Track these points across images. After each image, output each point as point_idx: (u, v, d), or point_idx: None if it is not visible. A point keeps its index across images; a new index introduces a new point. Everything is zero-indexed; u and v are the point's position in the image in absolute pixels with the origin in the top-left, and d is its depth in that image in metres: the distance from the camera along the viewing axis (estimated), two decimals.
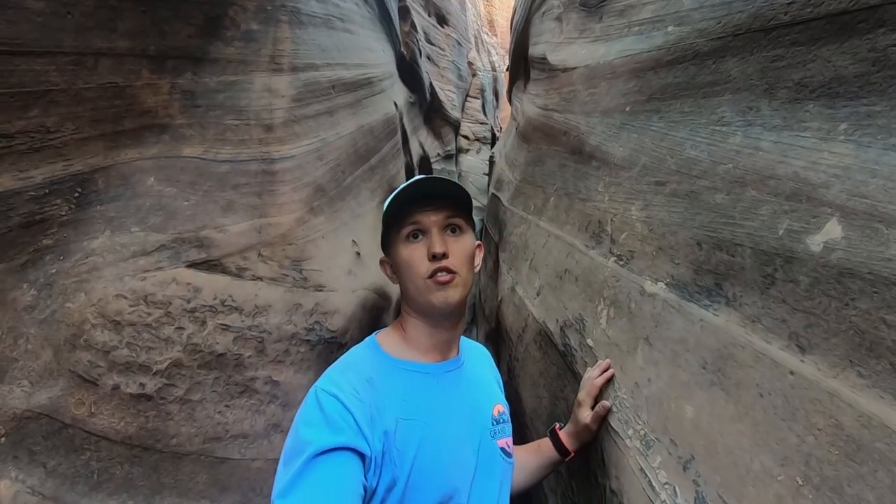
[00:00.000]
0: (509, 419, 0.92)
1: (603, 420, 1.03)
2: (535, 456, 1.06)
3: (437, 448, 0.73)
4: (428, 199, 0.78)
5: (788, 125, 0.89)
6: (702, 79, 1.20)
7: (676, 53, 1.30)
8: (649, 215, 1.22)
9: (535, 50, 2.92)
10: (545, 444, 1.06)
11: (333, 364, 0.78)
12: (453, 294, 0.78)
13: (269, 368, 1.15)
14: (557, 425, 1.08)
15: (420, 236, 0.79)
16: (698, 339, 0.91)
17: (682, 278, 1.02)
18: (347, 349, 1.11)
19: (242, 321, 1.15)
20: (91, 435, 0.98)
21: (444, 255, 0.77)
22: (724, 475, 0.76)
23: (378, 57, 2.69)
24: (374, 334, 0.85)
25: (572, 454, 1.03)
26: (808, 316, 0.71)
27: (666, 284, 1.07)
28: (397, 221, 0.78)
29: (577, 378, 1.28)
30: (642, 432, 0.96)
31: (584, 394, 1.06)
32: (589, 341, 1.27)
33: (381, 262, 0.86)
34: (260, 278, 1.23)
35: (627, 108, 1.56)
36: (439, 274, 0.77)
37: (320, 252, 1.41)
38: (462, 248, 0.80)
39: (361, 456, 0.65)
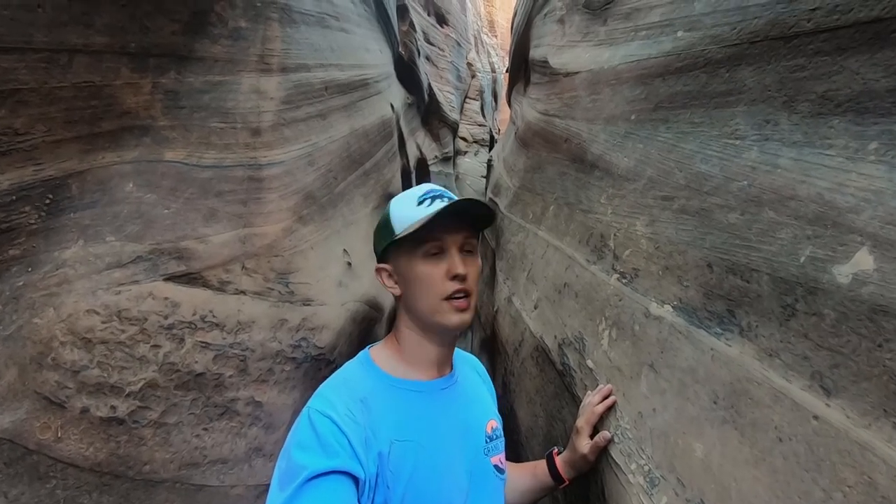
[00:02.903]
0: (502, 434, 0.92)
1: (603, 450, 0.99)
2: (530, 478, 1.03)
3: (431, 469, 0.73)
4: (451, 217, 0.76)
5: (810, 141, 0.83)
6: (714, 88, 1.13)
7: (687, 60, 1.24)
8: (655, 232, 1.16)
9: (536, 53, 2.86)
10: (541, 467, 1.03)
11: (326, 381, 0.76)
12: (468, 317, 0.79)
13: (252, 388, 1.08)
14: (555, 450, 1.05)
15: (438, 253, 0.77)
16: (709, 370, 0.85)
17: (691, 302, 0.96)
18: (336, 366, 1.05)
19: (224, 338, 1.08)
20: (57, 461, 0.91)
21: (465, 277, 0.77)
22: None
23: (375, 57, 2.62)
24: (367, 349, 0.83)
25: (567, 482, 1.00)
26: (835, 355, 0.65)
27: (673, 308, 1.01)
28: (416, 234, 0.75)
29: (575, 400, 1.22)
30: (646, 468, 0.90)
31: (583, 421, 1.02)
32: (589, 363, 1.21)
33: (379, 270, 0.82)
34: (243, 292, 1.16)
35: (633, 117, 1.50)
36: (458, 297, 0.77)
37: (309, 263, 1.35)
38: (475, 270, 0.81)
39: (355, 479, 0.64)
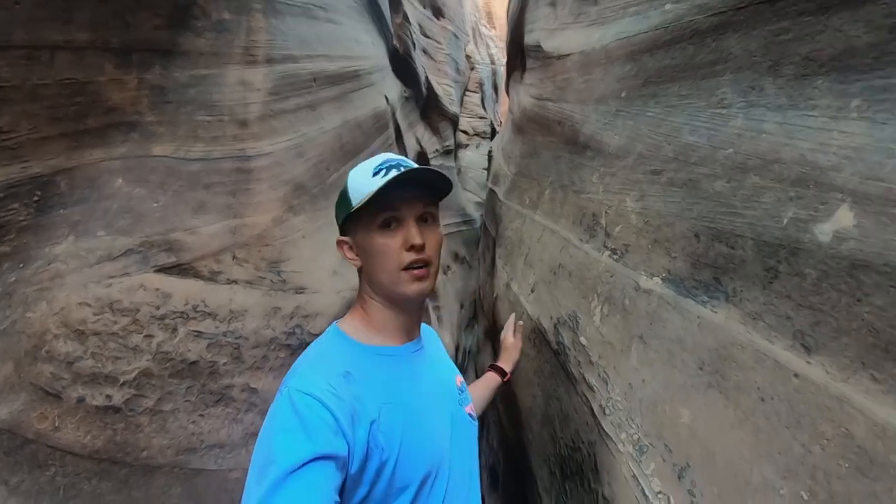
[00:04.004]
0: (466, 387, 0.99)
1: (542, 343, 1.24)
2: (482, 389, 1.21)
3: (420, 426, 0.75)
4: (406, 186, 0.75)
5: (794, 104, 0.82)
6: (701, 59, 1.13)
7: (674, 33, 1.22)
8: (645, 206, 1.15)
9: (529, 38, 2.84)
10: (487, 377, 1.25)
11: (299, 360, 0.75)
12: (427, 285, 0.79)
13: (247, 375, 1.09)
14: (490, 364, 1.28)
15: (394, 224, 0.76)
16: (695, 338, 0.84)
17: (679, 273, 0.95)
18: None
19: (217, 327, 1.09)
20: (55, 450, 0.93)
21: (422, 248, 0.77)
22: (721, 486, 0.70)
23: (366, 49, 2.62)
24: (334, 324, 0.83)
25: (509, 374, 1.25)
26: (816, 313, 0.64)
27: (662, 280, 1.00)
28: (371, 205, 0.74)
29: (570, 378, 1.21)
30: (635, 437, 0.90)
31: (506, 332, 1.31)
32: (582, 339, 1.21)
33: (340, 243, 0.82)
34: (235, 282, 1.17)
35: (623, 94, 1.49)
36: (416, 267, 0.77)
37: (301, 253, 1.35)
38: (435, 239, 0.81)
39: (338, 459, 0.63)
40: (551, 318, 1.44)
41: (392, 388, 0.75)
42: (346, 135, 1.96)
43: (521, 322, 1.28)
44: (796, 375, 0.63)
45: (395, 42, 3.96)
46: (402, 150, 3.42)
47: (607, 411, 0.98)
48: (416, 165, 0.80)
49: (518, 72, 3.59)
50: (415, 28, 5.29)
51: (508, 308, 2.05)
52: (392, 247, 0.76)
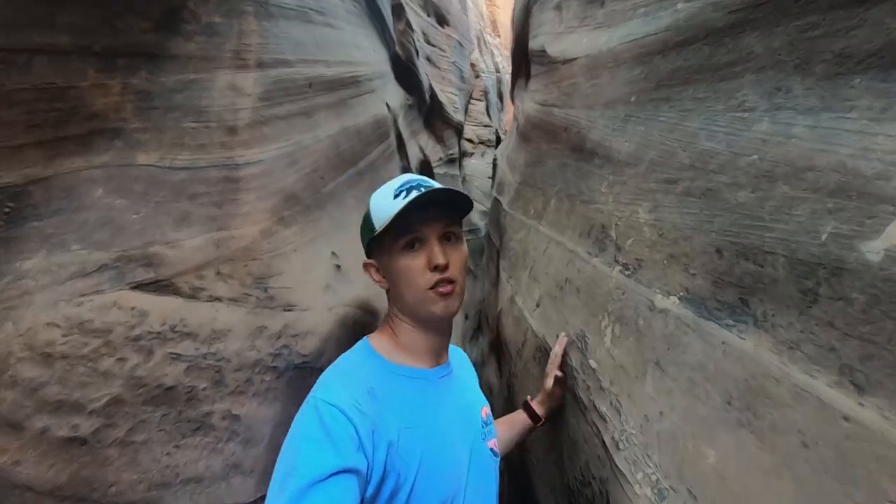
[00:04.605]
0: (493, 420, 0.96)
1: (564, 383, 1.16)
2: (507, 430, 1.11)
3: (438, 454, 0.74)
4: (426, 207, 0.76)
5: (828, 106, 0.74)
6: (718, 59, 1.05)
7: (688, 33, 1.15)
8: (659, 218, 1.06)
9: (534, 43, 2.78)
10: (517, 416, 1.15)
11: (329, 371, 0.76)
12: (453, 304, 0.79)
13: (228, 401, 1.01)
14: (529, 397, 1.17)
15: (417, 245, 0.77)
16: (720, 366, 0.75)
17: (699, 292, 0.87)
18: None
19: (196, 349, 1.01)
20: (15, 486, 0.85)
21: (446, 267, 0.77)
22: None
23: (366, 55, 2.56)
24: (365, 339, 0.83)
25: (543, 420, 1.13)
26: (866, 345, 0.55)
27: (679, 299, 0.91)
28: (393, 228, 0.75)
29: (578, 403, 1.12)
30: (654, 478, 0.80)
31: (550, 366, 1.16)
32: (592, 362, 1.12)
33: (366, 266, 0.83)
34: (218, 299, 1.09)
35: (633, 99, 1.41)
36: (441, 286, 0.77)
37: (291, 267, 1.27)
38: (459, 257, 0.81)
39: (360, 474, 0.63)
40: (558, 336, 1.35)
41: (414, 412, 0.74)
42: (343, 143, 1.89)
43: (559, 372, 1.16)
44: (846, 418, 0.54)
45: (397, 49, 3.91)
46: (405, 159, 3.35)
47: (621, 445, 0.89)
48: (436, 185, 0.79)
49: (523, 79, 3.53)
50: (418, 35, 5.26)
51: (512, 322, 1.97)
52: (416, 268, 0.76)
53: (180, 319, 1.02)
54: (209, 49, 1.41)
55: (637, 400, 0.91)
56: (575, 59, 1.98)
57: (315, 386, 0.72)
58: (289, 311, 1.20)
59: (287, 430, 0.68)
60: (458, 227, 0.83)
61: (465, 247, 0.83)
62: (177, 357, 0.98)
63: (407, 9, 4.49)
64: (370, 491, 0.65)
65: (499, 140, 8.76)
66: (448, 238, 0.80)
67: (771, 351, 0.68)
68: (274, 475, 0.62)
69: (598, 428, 0.99)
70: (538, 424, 1.12)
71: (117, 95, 1.26)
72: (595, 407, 1.03)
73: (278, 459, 0.64)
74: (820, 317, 0.63)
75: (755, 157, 0.85)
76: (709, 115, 1.03)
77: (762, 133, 0.86)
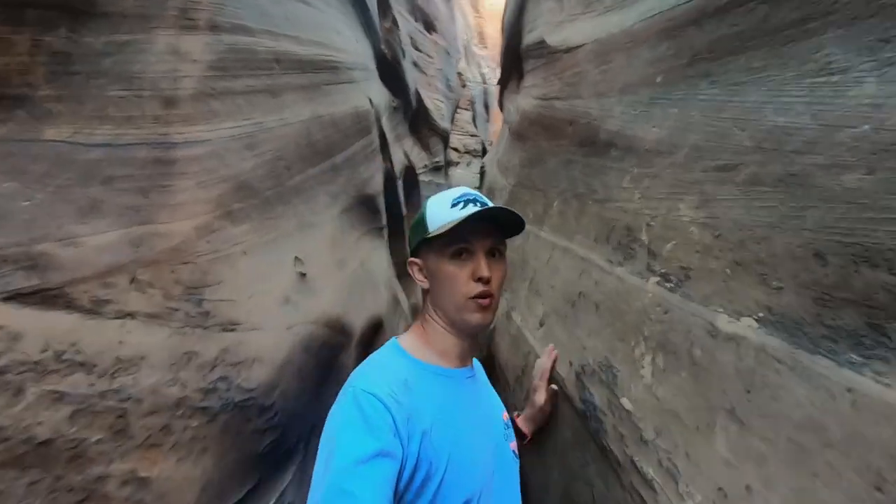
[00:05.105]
0: (511, 424, 0.98)
1: (558, 398, 1.12)
2: None
3: (466, 449, 0.76)
4: (481, 221, 0.80)
5: None
6: (781, 18, 0.85)
7: None
8: (712, 215, 0.83)
9: (530, 37, 2.59)
10: None
11: (363, 365, 0.79)
12: (489, 316, 0.84)
13: (134, 459, 0.72)
14: (515, 413, 1.13)
15: (465, 255, 0.82)
16: (851, 426, 0.51)
17: (792, 313, 0.63)
18: (274, 412, 0.91)
19: (91, 385, 0.72)
20: None
21: (489, 280, 0.81)
22: None
23: (348, 43, 2.31)
24: (394, 339, 0.87)
25: (528, 439, 1.09)
26: None
27: (758, 321, 0.67)
28: (447, 234, 0.79)
29: (607, 457, 0.87)
30: None
31: (539, 379, 1.13)
32: (625, 402, 0.87)
33: (411, 263, 0.88)
34: (130, 315, 0.81)
35: (659, 79, 1.20)
36: (482, 298, 0.81)
37: (237, 274, 1.00)
38: (500, 273, 0.85)
39: (397, 458, 0.65)
40: (571, 363, 1.10)
41: (445, 407, 0.77)
42: (317, 131, 1.62)
43: (555, 386, 1.12)
44: None
45: (382, 46, 3.68)
46: (388, 162, 3.10)
47: None
48: (491, 203, 0.84)
49: (514, 81, 3.34)
50: (405, 39, 5.06)
51: (509, 343, 1.71)
52: (461, 276, 0.81)
53: (71, 343, 0.73)
54: (149, 6, 1.15)
55: (703, 463, 0.66)
56: (580, 46, 1.78)
57: (351, 377, 0.76)
58: (230, 330, 0.92)
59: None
60: (504, 246, 0.87)
61: (506, 265, 0.88)
62: (59, 397, 0.70)
63: (395, 13, 4.29)
64: (404, 478, 0.66)
65: (485, 151, 8.67)
66: (493, 254, 0.84)
67: None
68: (316, 464, 0.64)
69: (642, 497, 0.73)
70: (524, 443, 1.08)
71: (24, 55, 1.00)
72: (636, 466, 0.77)
73: (319, 449, 0.67)
74: None
75: (865, 127, 0.63)
76: (774, 86, 0.82)
77: (870, 97, 0.64)
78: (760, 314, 0.67)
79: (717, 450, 0.65)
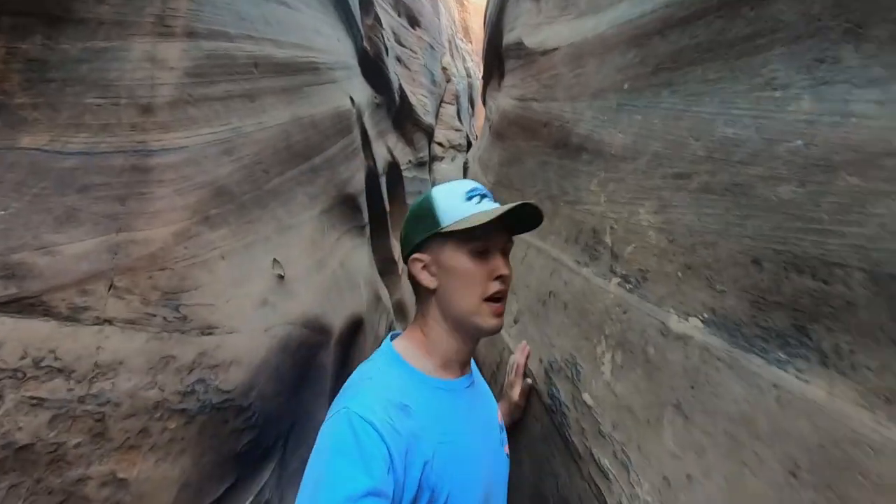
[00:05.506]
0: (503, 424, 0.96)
1: (530, 393, 1.12)
2: None
3: (470, 465, 0.75)
4: (503, 218, 0.77)
5: None
6: (734, 33, 0.89)
7: (693, 7, 0.99)
8: (668, 220, 0.88)
9: (509, 37, 2.62)
10: None
11: (358, 381, 0.73)
12: (501, 322, 0.81)
13: (113, 461, 0.75)
14: None
15: (483, 253, 0.78)
16: (776, 420, 0.55)
17: (732, 314, 0.67)
18: (252, 412, 0.90)
19: (70, 390, 0.75)
20: None
21: (508, 278, 0.81)
22: None
23: (329, 43, 2.32)
24: (390, 344, 0.81)
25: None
26: None
27: (703, 322, 0.72)
28: (467, 231, 0.75)
29: (570, 449, 0.92)
30: None
31: (513, 375, 1.14)
32: (586, 397, 0.91)
33: (414, 260, 0.81)
34: (108, 321, 0.83)
35: (626, 86, 1.24)
36: (497, 302, 0.79)
37: (215, 278, 1.02)
38: (511, 273, 0.84)
39: (388, 497, 0.62)
40: (541, 360, 1.15)
41: (447, 425, 0.74)
42: (296, 133, 1.64)
43: (529, 380, 1.12)
44: None
45: (365, 44, 3.68)
46: (370, 158, 3.12)
47: None
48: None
49: (496, 79, 3.37)
50: (388, 34, 5.05)
51: (486, 339, 1.76)
52: (479, 275, 0.77)
53: (50, 350, 0.76)
54: (127, 13, 1.16)
55: (652, 455, 0.71)
56: (556, 49, 1.82)
57: (343, 393, 0.71)
58: (208, 334, 0.94)
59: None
60: (512, 244, 0.86)
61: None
62: (38, 403, 0.72)
63: (378, 7, 4.27)
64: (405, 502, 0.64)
65: (469, 145, 8.67)
66: (505, 252, 0.82)
67: (858, 405, 0.48)
68: (302, 487, 0.61)
69: (598, 487, 0.78)
70: None
71: None
72: (594, 458, 0.82)
73: (307, 469, 0.63)
74: None
75: (799, 142, 0.67)
76: (725, 98, 0.86)
77: (805, 113, 0.68)
78: (706, 315, 0.72)
79: (664, 442, 0.69)
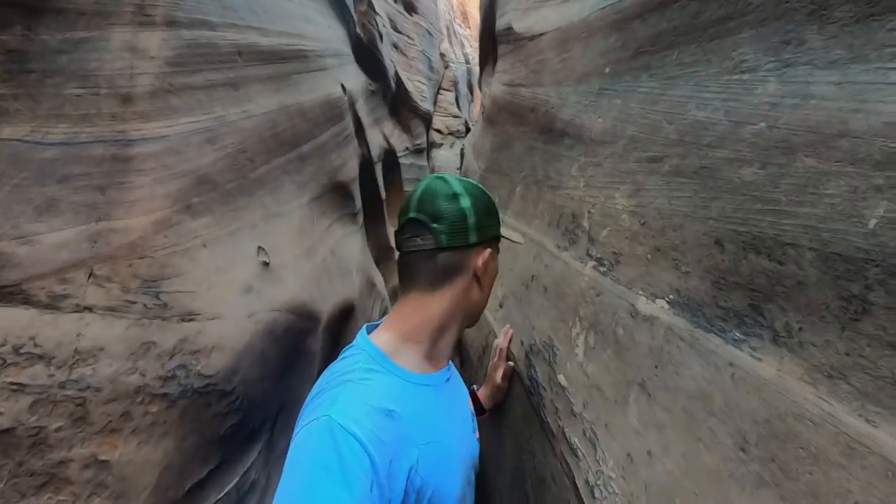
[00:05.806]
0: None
1: (513, 376, 1.15)
2: None
3: (452, 460, 0.76)
4: None
5: (860, 56, 0.57)
6: (707, 16, 0.89)
7: None
8: (640, 203, 0.89)
9: (500, 22, 2.60)
10: None
11: (333, 379, 0.70)
12: None
13: (94, 444, 0.77)
14: (474, 386, 1.16)
15: None
16: (729, 396, 0.57)
17: (695, 295, 0.68)
18: (236, 396, 0.89)
19: (50, 375, 0.77)
20: None
21: None
22: None
23: (319, 31, 2.31)
24: (368, 339, 0.77)
25: (488, 413, 1.15)
26: None
27: (669, 303, 0.73)
28: (499, 240, 0.87)
29: (545, 429, 0.93)
30: None
31: (496, 358, 1.16)
32: (561, 378, 0.93)
33: (491, 251, 0.84)
34: (88, 309, 0.85)
35: (607, 70, 1.24)
36: None
37: (196, 266, 1.03)
38: None
39: None
40: (522, 343, 1.17)
41: (431, 425, 0.73)
42: (283, 121, 1.64)
43: (511, 363, 1.16)
44: None
45: (358, 30, 3.65)
46: (364, 146, 3.11)
47: (597, 493, 0.70)
48: None
49: (490, 65, 3.34)
50: (384, 21, 5.00)
51: None
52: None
53: (30, 337, 0.77)
54: (106, 2, 1.16)
55: (617, 432, 0.72)
56: (543, 34, 1.81)
57: (320, 395, 0.67)
58: (189, 321, 0.96)
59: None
60: None
61: None
62: (19, 388, 0.74)
63: None
64: None
65: (468, 131, 8.62)
66: None
67: (803, 380, 0.49)
68: (279, 498, 0.58)
69: (568, 465, 0.80)
70: (481, 417, 1.09)
71: None
72: (565, 436, 0.83)
73: (284, 477, 0.60)
74: (872, 333, 0.45)
75: (762, 125, 0.68)
76: (698, 82, 0.86)
77: (770, 95, 0.69)
78: (671, 296, 0.73)
79: (629, 420, 0.71)
